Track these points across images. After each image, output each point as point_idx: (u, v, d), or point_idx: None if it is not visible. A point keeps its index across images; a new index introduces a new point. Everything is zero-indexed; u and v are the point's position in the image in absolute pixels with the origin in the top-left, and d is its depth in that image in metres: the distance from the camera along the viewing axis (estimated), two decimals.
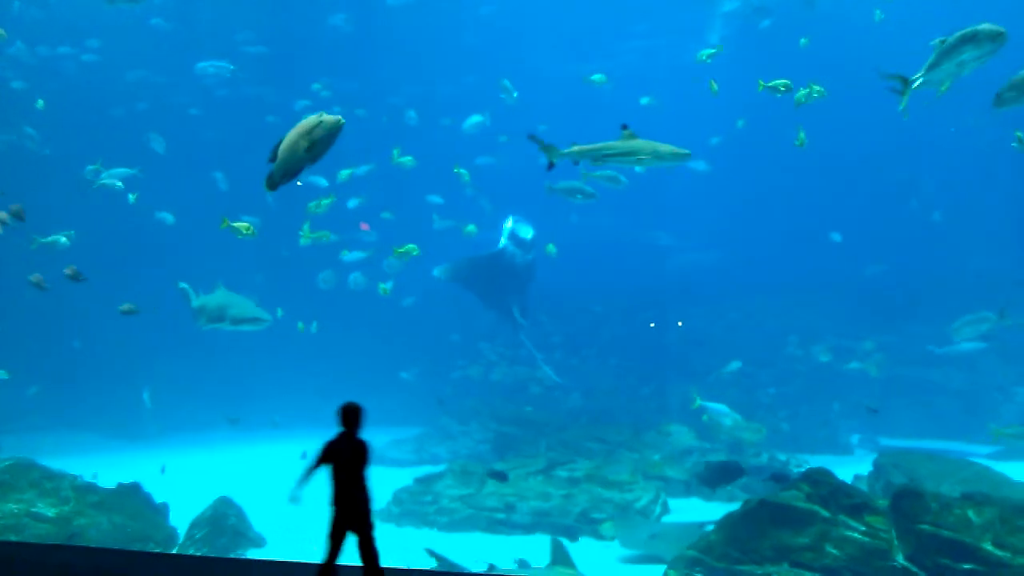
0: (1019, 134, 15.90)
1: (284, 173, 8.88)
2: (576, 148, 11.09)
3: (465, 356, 27.63)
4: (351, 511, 5.94)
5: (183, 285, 15.87)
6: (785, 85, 14.49)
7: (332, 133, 8.63)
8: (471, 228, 21.72)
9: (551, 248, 21.71)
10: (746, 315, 27.66)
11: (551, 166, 11.33)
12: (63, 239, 17.67)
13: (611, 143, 10.91)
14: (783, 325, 26.32)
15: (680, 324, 27.95)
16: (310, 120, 8.68)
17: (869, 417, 20.32)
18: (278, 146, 8.81)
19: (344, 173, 21.06)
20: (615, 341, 27.49)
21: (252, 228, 14.53)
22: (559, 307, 28.37)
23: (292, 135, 8.72)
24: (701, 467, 16.08)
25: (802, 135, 15.34)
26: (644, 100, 23.78)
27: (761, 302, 27.64)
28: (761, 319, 27.17)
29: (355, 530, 6.04)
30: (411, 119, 25.75)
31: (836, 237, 24.73)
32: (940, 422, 23.29)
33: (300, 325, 21.41)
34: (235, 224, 14.38)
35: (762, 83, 14.66)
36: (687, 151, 10.75)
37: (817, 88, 14.91)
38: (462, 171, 21.60)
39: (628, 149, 10.79)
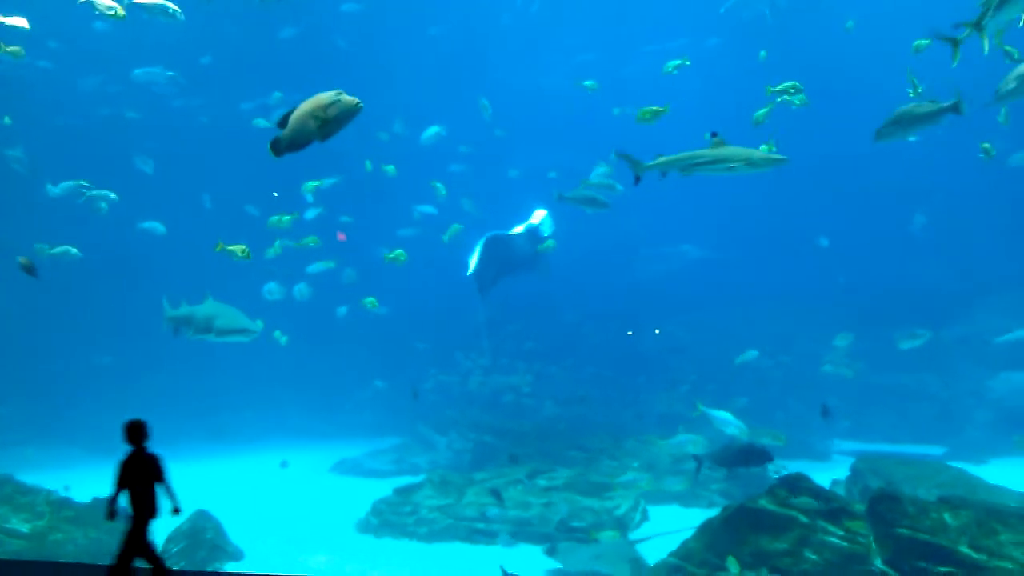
0: (985, 145, 16.17)
1: (290, 143, 8.70)
2: (663, 159, 10.77)
3: (436, 365, 27.57)
4: (148, 521, 6.29)
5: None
6: (795, 87, 14.45)
7: (347, 114, 8.44)
8: (455, 227, 21.50)
9: (550, 243, 21.74)
10: (722, 321, 27.73)
11: (638, 180, 11.08)
12: (73, 250, 17.54)
13: (700, 152, 10.56)
14: (759, 331, 26.43)
15: (657, 332, 28.00)
16: (327, 96, 8.49)
17: (837, 422, 20.31)
18: (289, 114, 8.65)
19: (310, 185, 20.99)
20: (592, 349, 27.50)
21: (247, 250, 14.60)
22: (535, 315, 28.35)
23: (306, 107, 8.54)
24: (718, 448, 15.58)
25: (768, 145, 15.26)
26: (617, 110, 23.91)
27: (738, 309, 27.72)
28: (736, 326, 27.26)
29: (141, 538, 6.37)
30: (386, 134, 25.63)
31: (824, 242, 24.77)
32: (915, 427, 23.47)
33: (277, 333, 21.34)
34: (230, 247, 14.45)
35: (770, 88, 14.59)
36: (783, 157, 10.38)
37: (800, 97, 15.05)
38: (438, 185, 21.58)
39: (719, 157, 10.41)
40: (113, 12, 14.83)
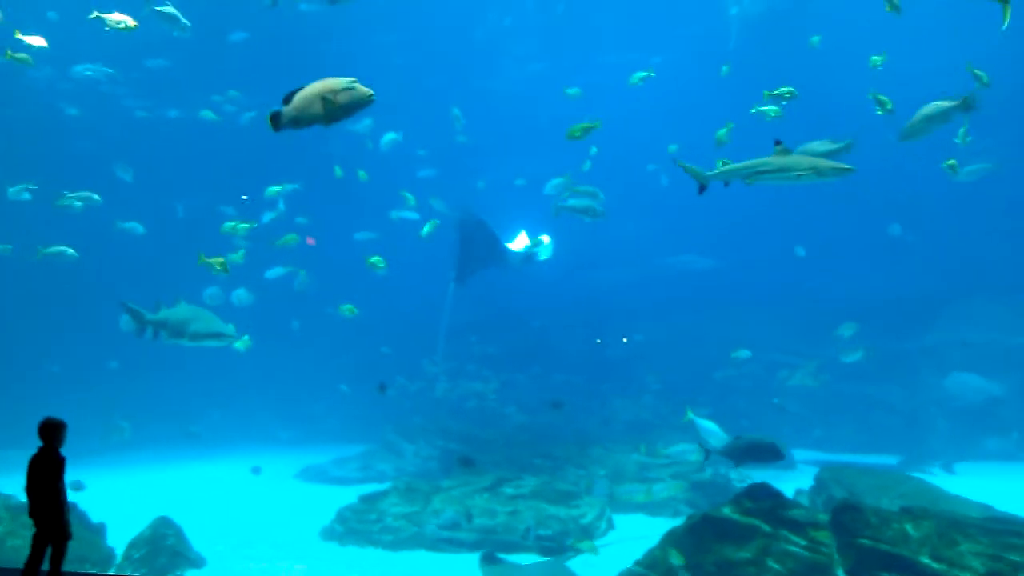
0: (951, 161, 16.43)
1: (293, 121, 8.55)
2: (727, 168, 10.64)
3: (402, 371, 27.43)
4: (49, 523, 6.19)
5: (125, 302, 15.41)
6: (790, 92, 14.49)
7: (357, 103, 8.34)
8: (433, 223, 21.33)
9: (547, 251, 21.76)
10: (689, 329, 27.89)
11: (702, 189, 10.90)
12: (70, 250, 17.28)
13: (765, 160, 10.41)
14: (725, 339, 26.59)
15: (625, 340, 28.09)
16: (341, 81, 8.37)
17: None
18: (296, 92, 8.51)
19: (272, 189, 20.84)
20: (559, 357, 27.51)
21: (225, 264, 14.75)
22: (502, 322, 28.33)
23: (314, 88, 8.40)
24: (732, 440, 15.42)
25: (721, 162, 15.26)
26: (593, 123, 23.97)
27: (705, 317, 27.88)
28: (704, 334, 27.43)
29: (52, 541, 6.43)
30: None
31: (800, 252, 24.92)
32: (879, 436, 23.71)
33: (246, 338, 21.15)
34: (210, 260, 14.62)
35: (767, 93, 14.60)
36: (849, 166, 10.24)
37: (775, 110, 15.18)
38: (408, 195, 21.47)
39: (783, 165, 10.30)
40: (123, 25, 14.83)
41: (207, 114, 22.49)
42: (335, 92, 8.31)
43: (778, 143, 10.48)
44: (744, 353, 21.62)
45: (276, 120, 8.64)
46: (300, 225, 21.51)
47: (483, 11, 30.40)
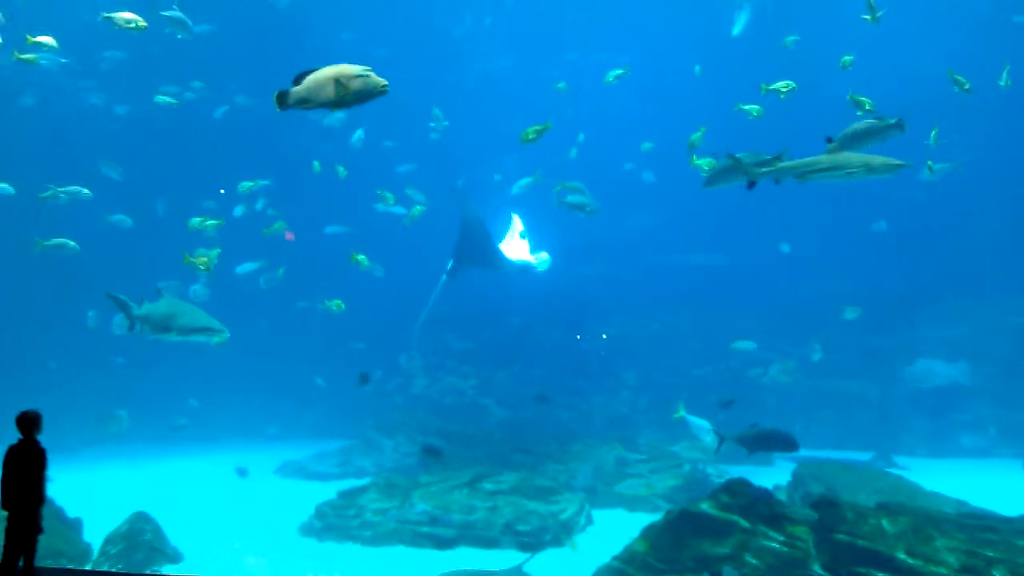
0: (930, 163, 16.59)
1: (302, 100, 8.47)
2: (779, 165, 10.49)
3: (379, 367, 27.30)
4: (24, 515, 6.20)
5: (115, 294, 15.13)
6: (787, 86, 14.47)
7: (369, 92, 8.27)
8: (418, 209, 21.18)
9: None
10: (667, 326, 27.95)
11: (752, 185, 10.79)
12: (71, 243, 17.08)
13: (817, 158, 10.33)
14: (704, 336, 26.70)
15: (604, 337, 28.11)
16: (355, 67, 8.31)
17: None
18: (307, 73, 8.44)
19: (245, 185, 20.72)
20: (539, 353, 27.49)
21: (209, 263, 14.86)
22: (482, 318, 28.27)
23: (329, 72, 8.33)
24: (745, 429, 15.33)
25: (696, 159, 15.22)
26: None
27: (683, 314, 27.94)
28: (682, 331, 27.52)
29: (24, 535, 6.38)
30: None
31: (785, 248, 25.00)
32: (857, 432, 23.86)
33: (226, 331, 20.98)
34: (194, 259, 14.71)
35: (765, 86, 14.58)
36: (903, 162, 10.21)
37: (756, 109, 15.25)
38: (387, 194, 21.36)
39: (836, 163, 10.22)
40: (133, 25, 14.76)
41: (161, 99, 22.16)
42: (349, 78, 8.26)
43: (829, 140, 10.42)
44: (747, 345, 21.65)
45: (283, 99, 8.56)
46: (272, 218, 21.31)
47: (456, 7, 30.43)
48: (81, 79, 25.95)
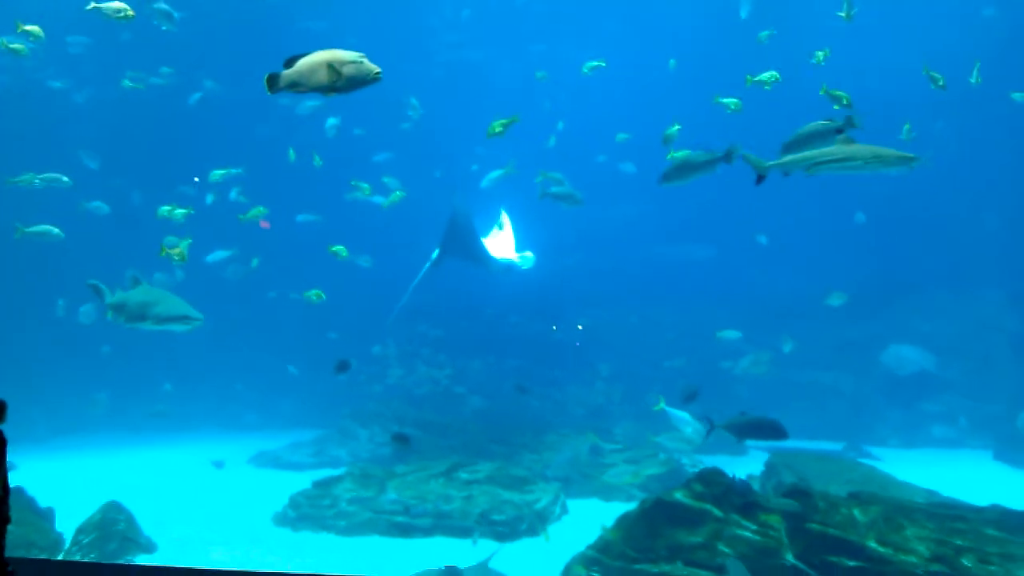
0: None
1: (293, 84, 8.35)
2: (787, 158, 10.39)
3: (353, 356, 27.12)
4: None
5: (94, 282, 14.89)
6: (773, 77, 14.43)
7: (362, 79, 8.16)
8: (397, 194, 21.00)
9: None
10: (643, 318, 28.00)
11: (760, 179, 10.61)
12: (55, 230, 16.84)
13: (827, 150, 10.20)
14: (678, 327, 26.81)
15: (580, 328, 28.10)
16: (350, 53, 8.20)
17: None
18: (299, 57, 8.32)
19: (217, 173, 20.56)
20: (513, 343, 27.45)
21: (183, 253, 14.96)
22: (456, 308, 28.18)
23: (323, 56, 8.21)
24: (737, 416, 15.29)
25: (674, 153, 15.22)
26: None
27: (661, 305, 27.99)
28: (659, 323, 27.58)
29: None
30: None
31: (762, 240, 25.06)
32: (830, 423, 24.02)
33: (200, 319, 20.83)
34: (171, 251, 14.77)
35: (750, 78, 14.50)
36: (914, 155, 10.05)
37: (735, 102, 15.27)
38: (363, 185, 21.21)
39: (846, 155, 10.07)
40: (122, 14, 14.54)
41: (127, 83, 21.94)
42: (343, 63, 8.16)
43: (839, 131, 10.37)
44: (732, 334, 21.70)
45: (274, 81, 8.44)
46: (246, 206, 21.11)
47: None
48: (47, 65, 25.59)
